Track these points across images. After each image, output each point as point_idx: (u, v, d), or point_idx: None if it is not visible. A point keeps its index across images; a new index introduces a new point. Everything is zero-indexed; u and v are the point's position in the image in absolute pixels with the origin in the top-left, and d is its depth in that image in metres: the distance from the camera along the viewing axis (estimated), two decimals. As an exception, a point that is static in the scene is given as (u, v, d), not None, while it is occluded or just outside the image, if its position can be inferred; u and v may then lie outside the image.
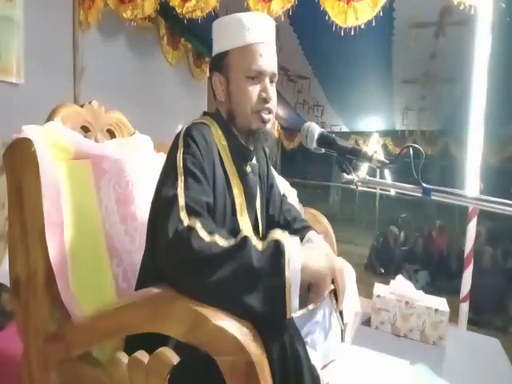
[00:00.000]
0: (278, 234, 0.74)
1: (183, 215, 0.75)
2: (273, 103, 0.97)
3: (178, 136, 0.90)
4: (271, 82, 0.97)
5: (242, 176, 1.00)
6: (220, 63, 0.97)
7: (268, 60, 0.95)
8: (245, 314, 0.68)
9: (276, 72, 0.97)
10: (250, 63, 0.93)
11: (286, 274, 0.68)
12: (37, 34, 2.30)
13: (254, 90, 0.94)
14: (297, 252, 0.72)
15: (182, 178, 0.82)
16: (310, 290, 0.83)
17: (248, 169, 1.02)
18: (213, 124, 0.98)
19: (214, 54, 1.00)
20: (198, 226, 0.73)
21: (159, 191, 0.85)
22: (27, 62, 2.24)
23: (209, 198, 0.84)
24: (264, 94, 0.94)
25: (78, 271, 0.89)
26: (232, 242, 0.73)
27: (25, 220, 0.83)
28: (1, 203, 1.60)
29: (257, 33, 0.94)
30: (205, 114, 1.04)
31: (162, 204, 0.80)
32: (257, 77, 0.94)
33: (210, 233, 0.73)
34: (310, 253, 0.78)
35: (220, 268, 0.69)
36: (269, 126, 0.99)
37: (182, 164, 0.84)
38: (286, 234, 0.75)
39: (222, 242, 0.72)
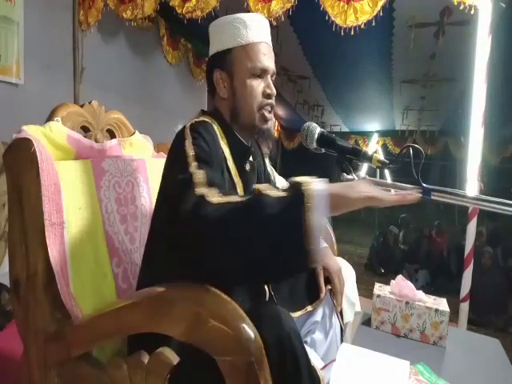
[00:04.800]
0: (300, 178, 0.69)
1: (198, 190, 0.72)
2: (274, 99, 1.01)
3: (181, 132, 0.89)
4: (271, 79, 1.01)
5: (242, 173, 1.01)
6: (222, 60, 0.98)
7: (270, 59, 0.99)
8: (266, 271, 0.66)
9: (275, 71, 1.02)
10: (255, 61, 0.96)
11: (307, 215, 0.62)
12: (37, 34, 2.31)
13: (259, 86, 0.98)
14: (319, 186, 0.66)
15: (194, 164, 0.79)
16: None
17: (247, 166, 1.03)
18: (213, 122, 0.99)
19: (213, 51, 1.01)
20: (206, 191, 0.71)
21: (171, 180, 0.83)
22: (27, 62, 2.24)
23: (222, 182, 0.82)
24: (268, 90, 0.98)
25: (78, 271, 0.89)
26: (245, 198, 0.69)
27: (25, 220, 0.83)
28: (1, 203, 1.59)
29: (258, 32, 0.98)
30: (203, 112, 1.04)
31: (176, 188, 0.77)
32: (260, 74, 0.98)
33: (221, 195, 0.70)
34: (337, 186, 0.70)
35: (233, 224, 0.66)
36: (270, 124, 1.02)
37: (192, 153, 0.82)
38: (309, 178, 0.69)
39: (235, 198, 0.69)
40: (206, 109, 1.28)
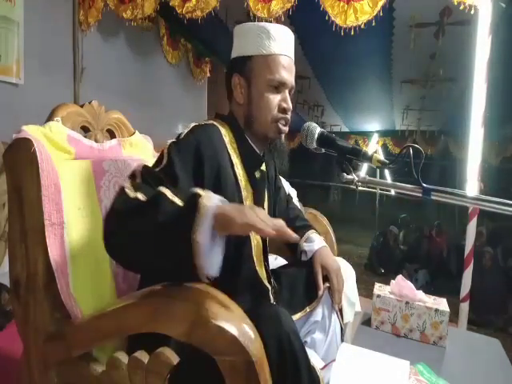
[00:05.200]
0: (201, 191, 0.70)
1: (127, 184, 0.75)
2: (290, 114, 0.99)
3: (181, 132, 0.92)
4: (289, 93, 1.00)
5: (251, 179, 1.00)
6: (242, 66, 0.98)
7: (290, 73, 0.98)
8: (159, 271, 0.72)
9: (294, 85, 1.00)
10: (274, 73, 0.95)
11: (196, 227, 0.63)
12: (37, 33, 2.30)
13: (275, 99, 0.96)
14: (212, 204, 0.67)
15: (164, 162, 0.84)
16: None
17: (257, 174, 1.02)
18: (224, 126, 0.98)
19: (234, 55, 1.01)
20: (127, 185, 0.74)
21: None
22: (27, 62, 2.24)
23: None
24: (284, 105, 0.97)
25: (78, 271, 0.89)
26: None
27: (25, 220, 0.83)
28: (1, 203, 1.59)
29: (281, 45, 0.97)
30: (217, 115, 1.04)
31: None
32: (278, 87, 0.96)
33: (137, 189, 0.73)
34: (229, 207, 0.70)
35: (131, 221, 0.70)
36: (283, 136, 1.02)
37: (166, 151, 0.86)
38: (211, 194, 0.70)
39: (143, 196, 0.72)
40: (205, 109, 1.28)
